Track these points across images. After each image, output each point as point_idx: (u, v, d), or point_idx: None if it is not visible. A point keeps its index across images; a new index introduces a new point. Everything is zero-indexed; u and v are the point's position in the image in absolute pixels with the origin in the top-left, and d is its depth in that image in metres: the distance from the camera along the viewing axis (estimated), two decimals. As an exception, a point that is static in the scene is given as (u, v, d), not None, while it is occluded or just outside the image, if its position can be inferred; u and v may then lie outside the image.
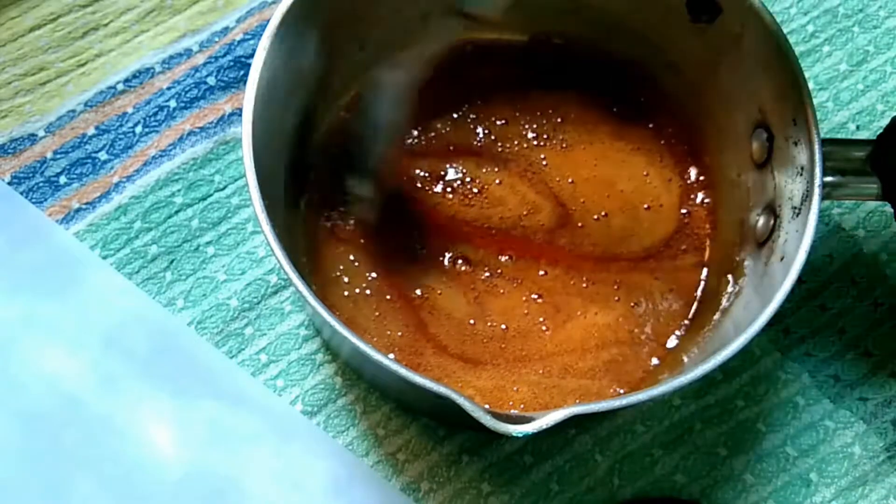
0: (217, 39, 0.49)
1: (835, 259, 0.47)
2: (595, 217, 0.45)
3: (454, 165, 0.45)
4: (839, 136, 0.50)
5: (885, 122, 0.45)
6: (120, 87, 0.48)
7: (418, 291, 0.43)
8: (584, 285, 0.44)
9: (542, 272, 0.44)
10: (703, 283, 0.44)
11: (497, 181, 0.45)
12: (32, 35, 0.49)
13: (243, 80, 0.48)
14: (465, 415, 0.32)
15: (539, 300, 0.43)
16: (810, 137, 0.37)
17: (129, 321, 0.44)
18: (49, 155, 0.47)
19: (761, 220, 0.41)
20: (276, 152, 0.40)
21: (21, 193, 0.46)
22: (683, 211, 0.45)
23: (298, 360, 0.44)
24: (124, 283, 0.45)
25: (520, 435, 0.31)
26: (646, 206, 0.45)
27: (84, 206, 0.46)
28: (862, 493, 0.44)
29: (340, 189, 0.45)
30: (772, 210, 0.40)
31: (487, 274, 0.44)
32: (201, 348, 0.44)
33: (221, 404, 0.43)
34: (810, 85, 0.39)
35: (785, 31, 0.39)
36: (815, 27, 0.51)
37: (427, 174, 0.45)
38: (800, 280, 0.35)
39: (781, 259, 0.37)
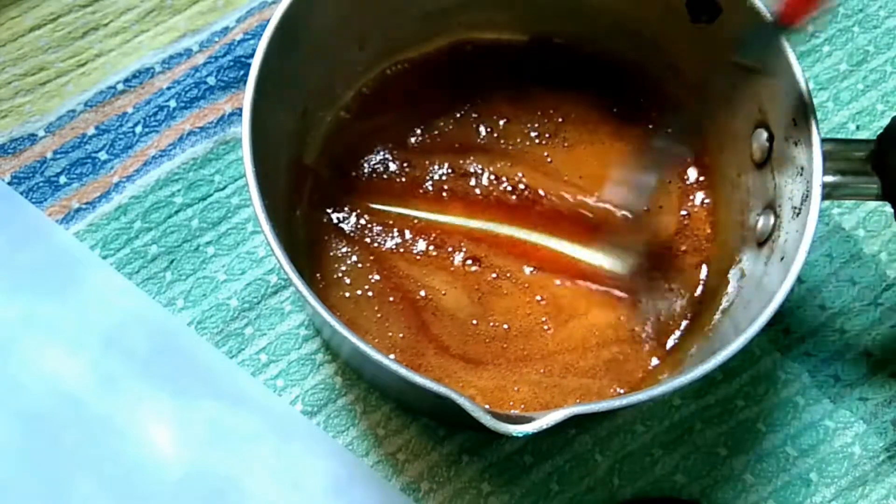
0: (217, 39, 0.49)
1: (835, 259, 0.47)
2: (603, 215, 0.45)
3: (466, 161, 0.45)
4: (839, 136, 0.50)
5: (885, 122, 0.45)
6: (120, 87, 0.48)
7: (422, 293, 0.43)
8: (586, 285, 0.44)
9: (545, 272, 0.44)
10: (703, 283, 0.44)
11: (507, 175, 0.45)
12: (32, 35, 0.49)
13: (243, 80, 0.48)
14: (465, 415, 0.32)
15: (542, 300, 0.43)
16: (810, 137, 0.37)
17: (129, 321, 0.44)
18: (49, 155, 0.47)
19: (761, 220, 0.41)
20: (276, 152, 0.40)
21: (21, 193, 0.46)
22: (683, 213, 0.45)
23: (298, 360, 0.44)
24: (124, 283, 0.45)
25: (520, 435, 0.31)
26: (645, 207, 0.45)
27: (84, 206, 0.46)
28: (862, 493, 0.44)
29: (341, 189, 0.45)
30: (772, 210, 0.40)
31: (494, 275, 0.44)
32: (201, 348, 0.44)
33: (221, 404, 0.43)
34: (810, 85, 0.39)
35: (785, 30, 0.39)
36: (815, 27, 0.51)
37: (438, 170, 0.45)
38: (800, 280, 0.35)
39: (781, 259, 0.37)
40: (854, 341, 0.46)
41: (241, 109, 0.43)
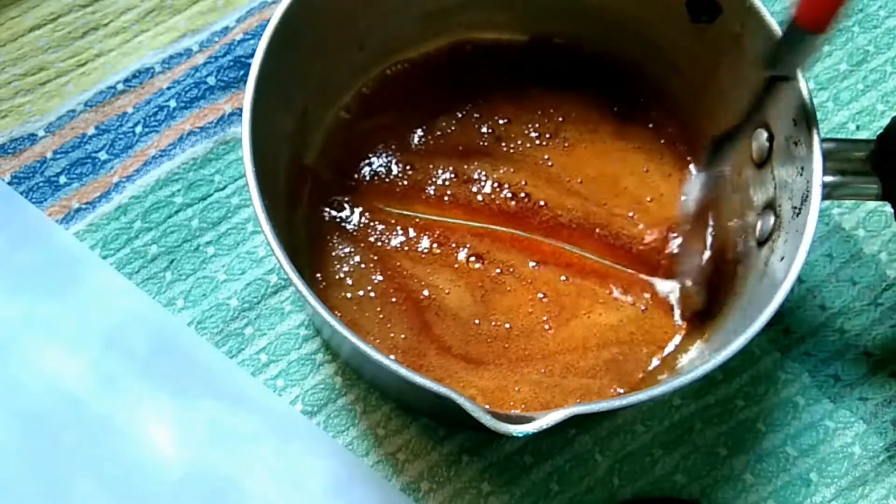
0: (217, 39, 0.49)
1: (835, 259, 0.47)
2: (604, 216, 0.45)
3: (469, 166, 0.45)
4: (839, 136, 0.50)
5: (885, 122, 0.45)
6: (120, 87, 0.48)
7: (426, 292, 0.43)
8: (588, 284, 0.44)
9: (549, 271, 0.44)
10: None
11: (509, 182, 0.45)
12: (32, 35, 0.49)
13: (243, 80, 0.48)
14: (465, 415, 0.32)
15: (544, 299, 0.43)
16: (810, 137, 0.37)
17: (129, 321, 0.44)
18: (49, 155, 0.47)
19: (761, 220, 0.41)
20: (276, 152, 0.40)
21: (21, 193, 0.46)
22: (683, 197, 0.45)
23: (298, 360, 0.44)
24: (124, 283, 0.45)
25: (520, 435, 0.31)
26: (648, 198, 0.45)
27: (84, 206, 0.46)
28: (862, 493, 0.44)
29: (341, 190, 0.45)
30: (772, 210, 0.40)
31: (498, 271, 0.44)
32: (201, 348, 0.44)
33: (221, 404, 0.43)
34: (810, 85, 0.39)
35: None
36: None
37: (442, 174, 0.45)
38: (800, 280, 0.35)
39: (781, 259, 0.37)
40: (854, 341, 0.46)
41: (241, 109, 0.43)
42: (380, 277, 0.43)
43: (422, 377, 0.32)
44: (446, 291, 0.43)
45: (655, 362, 0.43)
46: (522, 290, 0.43)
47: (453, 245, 0.44)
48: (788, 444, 0.44)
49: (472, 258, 0.44)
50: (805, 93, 0.37)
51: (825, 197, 0.37)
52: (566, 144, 0.46)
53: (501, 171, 0.45)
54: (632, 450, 0.44)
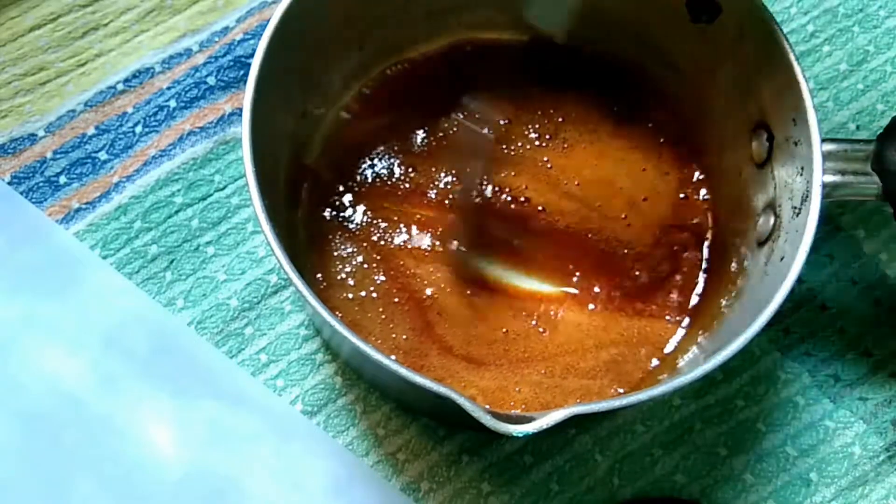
0: (217, 39, 0.49)
1: (835, 259, 0.47)
2: (600, 217, 0.45)
3: (470, 168, 0.45)
4: (839, 136, 0.50)
5: (885, 122, 0.45)
6: (120, 87, 0.48)
7: (428, 291, 0.43)
8: (587, 284, 0.44)
9: (549, 271, 0.44)
10: (702, 283, 0.44)
11: (510, 185, 0.45)
12: (32, 35, 0.49)
13: (243, 80, 0.48)
14: (465, 415, 0.32)
15: (543, 299, 0.43)
16: (810, 137, 0.37)
17: (129, 321, 0.44)
18: (49, 155, 0.47)
19: (761, 220, 0.41)
20: (276, 152, 0.40)
21: (21, 193, 0.46)
22: (682, 195, 0.45)
23: (298, 360, 0.44)
24: (124, 283, 0.45)
25: (520, 435, 0.31)
26: (643, 197, 0.45)
27: (84, 206, 0.46)
28: (862, 493, 0.44)
29: (342, 190, 0.45)
30: (772, 210, 0.40)
31: (500, 271, 0.44)
32: (201, 348, 0.44)
33: (221, 404, 0.43)
34: (810, 85, 0.39)
35: (785, 30, 0.39)
36: (815, 27, 0.51)
37: (444, 177, 0.45)
38: (800, 280, 0.35)
39: (781, 259, 0.37)
40: (854, 341, 0.46)
41: (241, 109, 0.43)
42: (382, 278, 0.43)
43: (422, 377, 0.32)
44: (448, 290, 0.43)
45: (655, 362, 0.43)
46: (522, 290, 0.43)
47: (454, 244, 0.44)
48: (788, 444, 0.44)
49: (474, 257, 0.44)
50: (805, 93, 0.37)
51: (825, 197, 0.37)
52: (565, 145, 0.46)
53: (502, 175, 0.45)
54: (632, 450, 0.44)
